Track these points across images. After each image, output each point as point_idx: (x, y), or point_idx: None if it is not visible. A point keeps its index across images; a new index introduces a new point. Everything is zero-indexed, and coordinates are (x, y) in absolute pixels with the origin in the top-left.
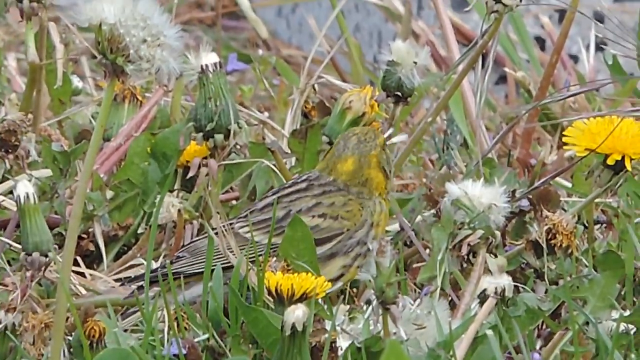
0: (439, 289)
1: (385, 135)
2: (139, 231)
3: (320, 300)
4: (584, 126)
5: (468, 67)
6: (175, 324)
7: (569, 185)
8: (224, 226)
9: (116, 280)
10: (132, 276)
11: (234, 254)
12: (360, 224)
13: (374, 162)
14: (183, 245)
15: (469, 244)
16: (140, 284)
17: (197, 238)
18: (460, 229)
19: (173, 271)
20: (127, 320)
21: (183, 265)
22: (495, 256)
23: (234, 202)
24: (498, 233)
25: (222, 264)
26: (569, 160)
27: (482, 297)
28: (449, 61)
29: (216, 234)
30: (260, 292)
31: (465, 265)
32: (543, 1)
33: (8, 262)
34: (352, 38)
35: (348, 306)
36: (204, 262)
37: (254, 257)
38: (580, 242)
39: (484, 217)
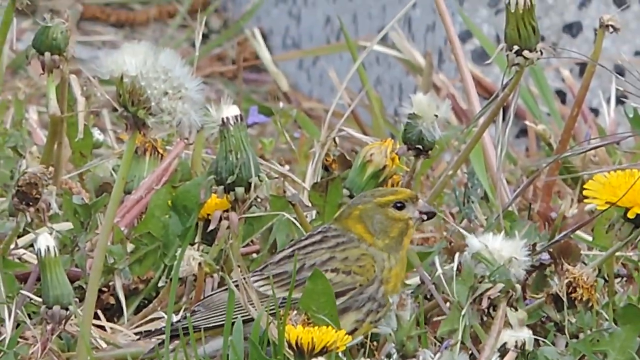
0: (459, 342)
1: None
2: (160, 284)
3: (340, 354)
4: (604, 179)
5: (489, 120)
6: None
7: (590, 238)
8: (244, 279)
9: (136, 334)
10: (153, 329)
11: (254, 307)
12: (371, 281)
13: (354, 215)
14: (200, 299)
15: (489, 298)
16: (160, 337)
17: (213, 292)
18: (480, 282)
19: (187, 325)
20: None
21: (198, 319)
22: (516, 309)
23: (254, 255)
24: (518, 286)
25: (242, 317)
26: (589, 214)
27: (503, 351)
28: (469, 114)
29: (237, 287)
30: (280, 345)
31: (485, 318)
32: (564, 54)
33: (29, 315)
34: (373, 91)
35: None
36: (219, 315)
37: (273, 310)
38: (600, 296)
39: (504, 271)
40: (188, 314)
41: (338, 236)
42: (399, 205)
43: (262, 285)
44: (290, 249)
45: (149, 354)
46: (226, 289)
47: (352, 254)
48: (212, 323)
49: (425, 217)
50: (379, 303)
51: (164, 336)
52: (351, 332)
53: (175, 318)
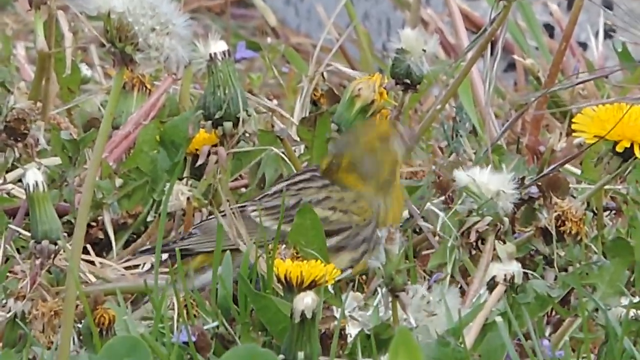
0: (448, 275)
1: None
2: (148, 219)
3: (329, 288)
4: (593, 113)
5: (477, 54)
6: (185, 312)
7: (578, 172)
8: (233, 213)
9: (125, 268)
10: (142, 264)
11: (243, 241)
12: (367, 222)
13: (343, 165)
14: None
15: (477, 231)
16: (149, 267)
17: (210, 217)
18: (468, 216)
19: (183, 247)
20: (137, 310)
21: (194, 243)
22: (504, 243)
23: (243, 189)
24: (506, 220)
25: (231, 249)
26: (578, 148)
27: (492, 284)
28: (457, 49)
29: (225, 218)
30: (269, 279)
31: (474, 252)
32: None
33: (17, 250)
34: (361, 26)
35: (359, 294)
36: (214, 241)
37: (263, 243)
38: (589, 229)
39: (492, 204)
40: (174, 244)
41: (324, 178)
42: (384, 140)
43: (258, 216)
44: (285, 183)
45: (138, 285)
46: (223, 215)
47: (347, 196)
48: (206, 247)
49: (407, 146)
50: (375, 243)
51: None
52: (347, 269)
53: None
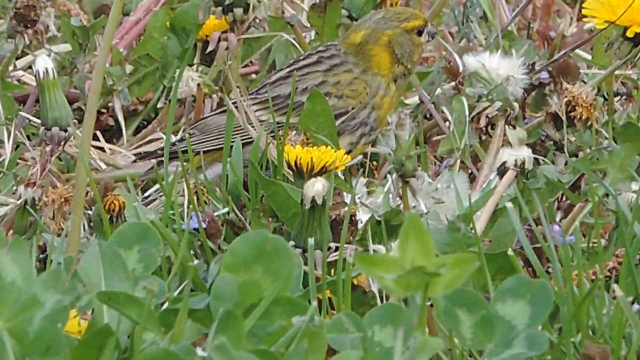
0: (458, 161)
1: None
2: (159, 105)
3: (340, 174)
4: None
5: None
6: (195, 198)
7: (589, 57)
8: (243, 100)
9: (135, 155)
10: (151, 150)
11: (254, 128)
12: (363, 104)
13: (382, 41)
14: (195, 121)
15: (487, 116)
16: (159, 158)
17: (207, 115)
18: (478, 101)
19: (183, 148)
20: (147, 197)
21: (194, 143)
22: (515, 128)
23: (253, 75)
24: (516, 104)
25: (241, 138)
26: (588, 33)
27: (502, 170)
28: None
29: (235, 108)
30: (280, 166)
31: (484, 137)
32: None
33: (28, 137)
34: None
35: (367, 179)
36: (214, 139)
37: (271, 132)
38: (600, 114)
39: (502, 89)
40: (187, 135)
41: (333, 57)
42: (420, 30)
43: (257, 110)
44: (288, 69)
45: (147, 175)
46: (220, 112)
47: (344, 78)
48: (208, 147)
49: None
50: (371, 127)
51: (162, 157)
52: (346, 154)
53: (174, 139)
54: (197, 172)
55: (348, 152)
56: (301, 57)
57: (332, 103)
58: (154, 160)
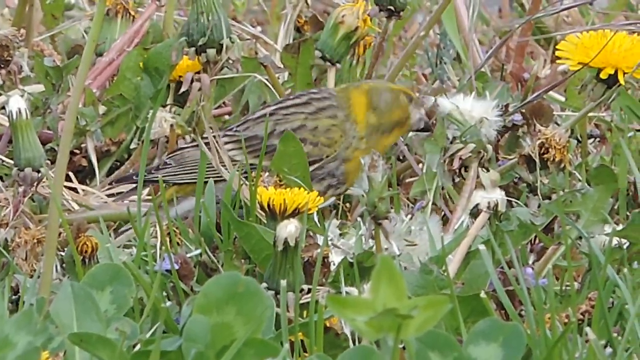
0: (430, 203)
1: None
2: (132, 146)
3: (312, 216)
4: (577, 40)
5: None
6: (168, 240)
7: (562, 99)
8: (216, 140)
9: (108, 196)
10: (125, 191)
11: (226, 169)
12: (334, 155)
13: (364, 87)
14: (172, 151)
15: (460, 158)
16: (133, 199)
17: (185, 146)
18: (452, 142)
19: (158, 179)
20: (120, 237)
21: (169, 174)
22: (488, 170)
23: (226, 116)
24: (490, 146)
25: (215, 177)
26: (562, 74)
27: (475, 212)
28: None
29: (208, 148)
30: (252, 207)
31: (457, 179)
32: None
33: (0, 177)
34: None
35: (340, 221)
36: (190, 172)
37: (244, 173)
38: (573, 156)
39: (475, 131)
40: (159, 176)
41: (323, 100)
42: (409, 98)
43: (232, 149)
44: (274, 107)
45: (120, 211)
46: (197, 146)
47: (322, 124)
48: (183, 179)
49: (422, 123)
50: (338, 179)
51: (135, 196)
52: None
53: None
54: (170, 210)
55: None
56: (293, 96)
57: (307, 150)
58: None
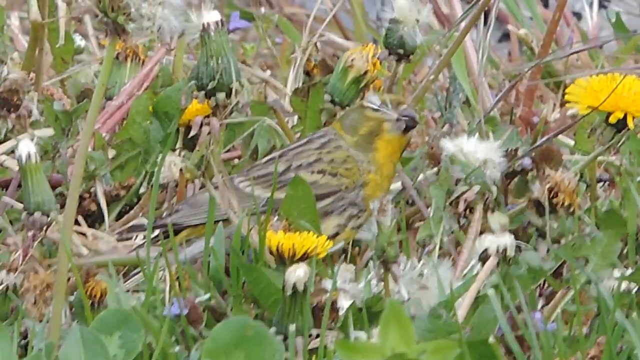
0: (437, 247)
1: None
2: (141, 190)
3: (321, 260)
4: (586, 84)
5: (470, 24)
6: (177, 284)
7: (572, 143)
8: (225, 184)
9: (118, 240)
10: (134, 236)
11: (235, 212)
12: (354, 185)
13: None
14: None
15: (465, 200)
16: (142, 242)
17: (198, 192)
18: (456, 185)
19: (172, 222)
20: (130, 281)
21: (183, 217)
22: (493, 212)
23: (236, 160)
24: (494, 188)
25: (223, 221)
26: (571, 118)
27: (484, 256)
28: (451, 18)
29: (217, 189)
30: (261, 251)
31: (464, 221)
32: None
33: (10, 222)
34: None
35: (351, 265)
36: (203, 214)
37: (254, 212)
38: (582, 201)
39: (479, 173)
40: (168, 219)
41: (322, 136)
42: (375, 108)
43: (248, 186)
44: (280, 151)
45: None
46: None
47: (337, 157)
48: (194, 221)
49: (404, 121)
50: (359, 208)
51: (145, 241)
52: (333, 236)
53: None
54: (179, 253)
55: (335, 235)
56: (290, 144)
57: (326, 180)
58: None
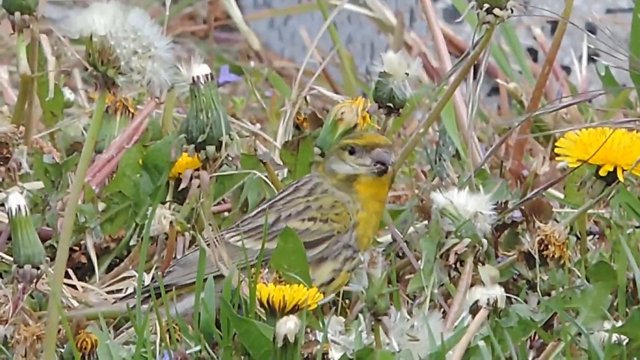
0: (428, 299)
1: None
2: (131, 243)
3: (312, 312)
4: (576, 137)
5: (460, 78)
6: (167, 336)
7: (562, 196)
8: (215, 237)
9: (108, 293)
10: (124, 288)
11: (225, 266)
12: (346, 229)
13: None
14: (174, 259)
15: (456, 253)
16: (132, 296)
17: (189, 252)
18: (447, 237)
19: (165, 283)
20: (120, 336)
21: (175, 278)
22: (483, 264)
23: (226, 213)
24: (485, 241)
25: (214, 274)
26: (561, 172)
27: (475, 308)
28: (441, 72)
29: (208, 245)
30: (252, 303)
31: (454, 274)
32: (535, 12)
33: (0, 274)
34: (344, 50)
35: (342, 317)
36: (195, 273)
37: (245, 266)
38: (572, 253)
39: (470, 225)
40: (159, 273)
41: (308, 182)
42: (350, 149)
43: (239, 241)
44: (267, 203)
45: (119, 307)
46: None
47: (325, 202)
48: (188, 280)
49: (377, 166)
50: (354, 249)
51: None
52: (329, 282)
53: (146, 277)
54: (170, 307)
55: (331, 280)
56: (279, 192)
57: (317, 227)
58: (127, 299)
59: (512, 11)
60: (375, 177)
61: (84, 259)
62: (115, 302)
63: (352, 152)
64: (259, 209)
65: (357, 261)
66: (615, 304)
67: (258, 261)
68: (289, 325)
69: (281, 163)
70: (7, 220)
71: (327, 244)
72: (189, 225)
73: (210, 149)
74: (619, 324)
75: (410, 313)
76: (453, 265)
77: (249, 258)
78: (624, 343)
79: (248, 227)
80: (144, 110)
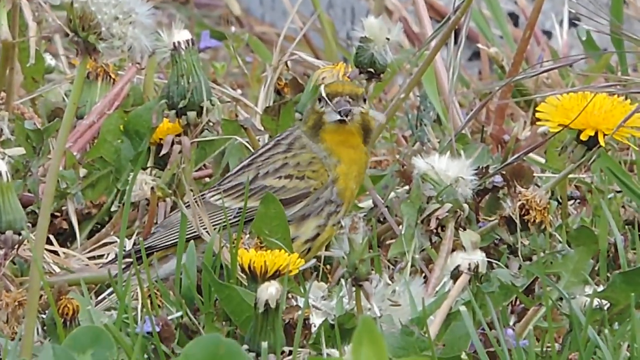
0: (409, 264)
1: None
2: (113, 209)
3: (293, 277)
4: (557, 102)
5: (441, 43)
6: (149, 302)
7: (543, 161)
8: (196, 202)
9: (89, 258)
10: (106, 254)
11: (207, 230)
12: (325, 185)
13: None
14: (156, 224)
15: (437, 218)
16: (114, 262)
17: (172, 213)
18: (428, 202)
19: (147, 245)
20: (102, 302)
21: (157, 239)
22: (465, 229)
23: (207, 179)
24: (466, 206)
25: (195, 238)
26: (542, 136)
27: (456, 274)
28: (421, 37)
29: (188, 207)
30: (233, 269)
31: (435, 239)
32: None
33: None
34: (325, 15)
35: (323, 283)
36: (176, 234)
37: (226, 224)
38: (553, 218)
39: (451, 191)
40: (141, 239)
41: (287, 136)
42: (318, 98)
43: (219, 199)
44: (249, 159)
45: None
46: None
47: (302, 159)
48: (168, 241)
49: (337, 113)
50: (337, 203)
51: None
52: (314, 237)
53: (128, 242)
54: (152, 270)
55: (316, 236)
56: (260, 147)
57: (294, 185)
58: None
59: None
60: (338, 125)
61: (65, 225)
62: (99, 267)
63: (319, 100)
64: (240, 165)
65: (342, 214)
66: (596, 268)
67: (240, 224)
68: (270, 290)
69: (262, 128)
70: None
71: (305, 201)
72: (170, 191)
73: (192, 114)
74: (600, 288)
75: (391, 278)
76: (434, 231)
77: (230, 216)
78: (605, 308)
79: (228, 186)
80: (125, 76)
